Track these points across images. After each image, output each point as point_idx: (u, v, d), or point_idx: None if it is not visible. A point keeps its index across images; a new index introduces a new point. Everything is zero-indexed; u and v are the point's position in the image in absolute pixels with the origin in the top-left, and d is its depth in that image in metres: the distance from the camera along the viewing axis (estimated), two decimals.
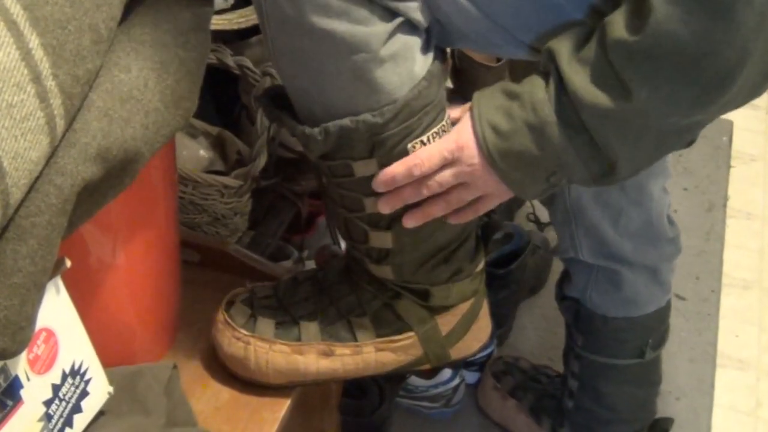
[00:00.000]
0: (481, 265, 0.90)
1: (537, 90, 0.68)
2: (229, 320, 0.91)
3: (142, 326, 0.92)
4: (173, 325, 0.98)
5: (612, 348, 1.11)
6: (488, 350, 1.34)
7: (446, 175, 0.73)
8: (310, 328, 0.89)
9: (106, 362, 0.78)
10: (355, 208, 0.81)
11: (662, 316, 1.12)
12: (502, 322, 1.37)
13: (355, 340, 0.89)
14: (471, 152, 0.71)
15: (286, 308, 0.91)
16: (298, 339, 0.89)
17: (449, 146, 0.72)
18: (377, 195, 0.78)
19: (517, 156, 0.70)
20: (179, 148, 1.11)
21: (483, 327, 0.94)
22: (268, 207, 1.22)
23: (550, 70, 0.68)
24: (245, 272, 1.04)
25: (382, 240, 0.83)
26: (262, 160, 1.08)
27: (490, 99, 0.70)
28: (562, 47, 0.67)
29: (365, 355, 0.90)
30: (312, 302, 0.91)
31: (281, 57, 0.73)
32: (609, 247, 1.05)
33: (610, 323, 1.10)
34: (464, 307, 0.91)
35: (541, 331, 1.41)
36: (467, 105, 0.72)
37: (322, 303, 0.91)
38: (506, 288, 1.35)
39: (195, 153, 1.15)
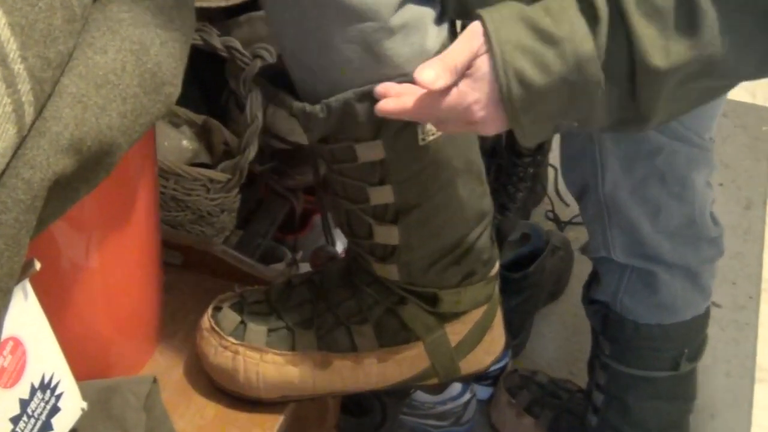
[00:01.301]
0: (495, 269, 0.91)
1: (582, 39, 0.65)
2: (216, 327, 0.91)
3: (119, 335, 0.92)
4: (153, 334, 0.99)
5: (643, 358, 1.11)
6: (502, 363, 1.34)
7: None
8: (306, 336, 0.90)
9: (80, 375, 0.78)
10: (359, 199, 0.82)
11: (700, 324, 1.11)
12: (517, 331, 1.38)
13: (355, 349, 0.90)
14: (483, 86, 0.68)
15: (279, 314, 0.91)
16: (292, 348, 0.90)
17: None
18: (382, 184, 0.79)
19: (542, 112, 0.68)
20: (160, 138, 1.12)
21: (496, 338, 0.95)
22: (258, 204, 1.23)
23: (599, 10, 0.65)
24: (233, 275, 1.05)
25: (388, 235, 0.84)
26: (252, 152, 1.08)
27: (512, 31, 0.66)
28: None
29: (366, 366, 0.91)
30: (308, 308, 0.92)
31: (283, 29, 0.73)
32: (645, 246, 1.05)
33: (642, 330, 1.09)
34: (476, 314, 0.92)
35: (560, 342, 1.41)
36: (475, 30, 0.68)
37: (319, 308, 0.91)
38: (522, 293, 1.36)
39: (178, 143, 1.16)
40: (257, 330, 0.91)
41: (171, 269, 1.02)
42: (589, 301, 1.15)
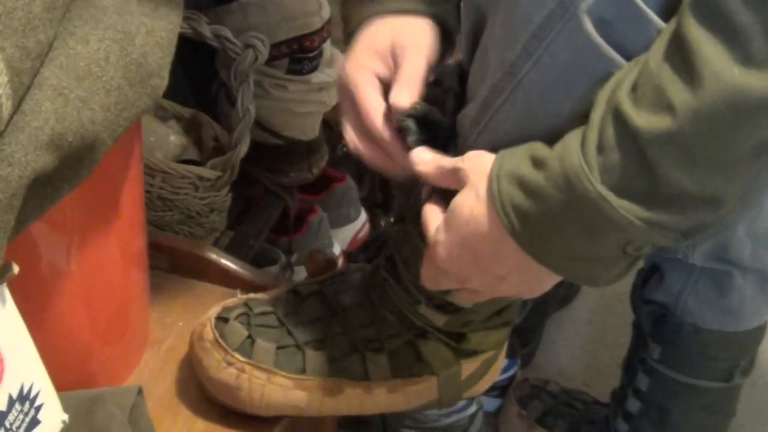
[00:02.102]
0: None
1: (571, 153, 0.63)
2: (221, 340, 0.90)
3: (102, 343, 0.92)
4: (138, 342, 0.99)
5: (697, 366, 1.10)
6: (510, 372, 1.33)
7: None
8: (317, 359, 0.90)
9: (61, 385, 0.77)
10: None
11: (759, 336, 1.11)
12: (527, 339, 1.36)
13: (368, 378, 0.90)
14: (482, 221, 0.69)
15: (288, 329, 0.91)
16: (302, 370, 0.90)
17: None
18: None
19: (559, 246, 0.66)
20: (146, 134, 1.11)
21: (498, 367, 0.96)
22: (250, 203, 1.23)
23: (591, 120, 0.62)
24: (224, 279, 1.05)
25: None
26: (243, 147, 1.09)
27: (512, 161, 0.67)
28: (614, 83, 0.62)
29: (375, 396, 0.91)
30: (321, 327, 0.91)
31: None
32: (728, 250, 1.04)
33: (701, 336, 1.08)
34: (491, 351, 0.93)
35: (574, 350, 1.41)
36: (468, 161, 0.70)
37: (333, 329, 0.91)
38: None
39: (165, 139, 1.15)
40: (266, 348, 0.90)
41: (157, 273, 1.02)
42: (643, 300, 1.13)
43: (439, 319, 0.87)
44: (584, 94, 0.62)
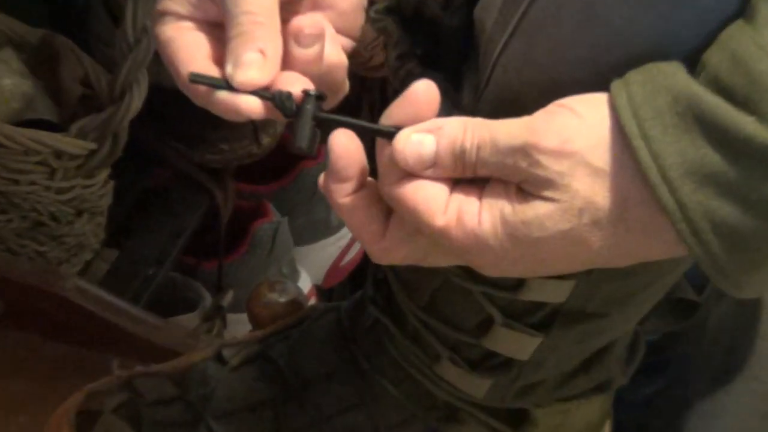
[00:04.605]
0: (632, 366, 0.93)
1: None
2: None
3: None
4: None
5: None
6: None
7: None
8: None
9: None
10: (500, 282, 0.79)
11: None
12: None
13: None
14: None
15: (208, 425, 0.89)
16: None
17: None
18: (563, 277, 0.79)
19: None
20: None
21: None
22: (148, 199, 1.23)
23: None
24: (98, 338, 1.03)
25: (518, 344, 0.82)
26: (136, 99, 1.03)
27: (678, 142, 0.62)
28: None
29: None
30: (266, 419, 0.90)
31: None
32: None
33: None
34: None
35: None
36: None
37: (288, 421, 0.89)
38: (665, 372, 1.21)
39: None
40: None
41: None
42: None
43: (478, 386, 0.85)
44: None
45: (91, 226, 1.13)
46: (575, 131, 0.63)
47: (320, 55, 0.68)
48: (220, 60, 0.69)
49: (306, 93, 0.67)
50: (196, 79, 0.68)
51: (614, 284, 0.80)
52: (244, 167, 1.27)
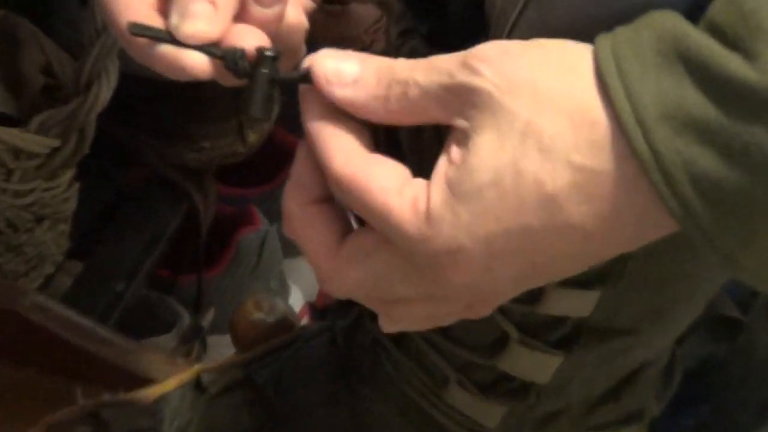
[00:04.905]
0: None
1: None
2: None
3: None
4: None
5: None
6: None
7: None
8: None
9: None
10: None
11: None
12: None
13: None
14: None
15: None
16: None
17: None
18: (586, 287, 0.78)
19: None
20: None
21: None
22: (118, 204, 1.22)
23: None
24: (62, 361, 1.01)
25: (536, 366, 0.82)
26: (105, 90, 1.02)
27: (653, 81, 0.59)
28: None
29: None
30: None
31: None
32: None
33: None
34: None
35: None
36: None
37: None
38: (707, 400, 1.17)
39: None
40: None
41: None
42: None
43: (491, 413, 0.84)
44: None
45: (53, 234, 1.12)
46: (534, 58, 0.61)
47: (280, 17, 0.64)
48: (165, 9, 0.64)
49: (261, 53, 0.63)
50: (136, 30, 0.63)
51: (644, 295, 0.78)
52: (227, 168, 1.26)
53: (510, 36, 0.66)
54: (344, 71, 0.64)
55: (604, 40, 0.58)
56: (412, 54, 0.71)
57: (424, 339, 0.83)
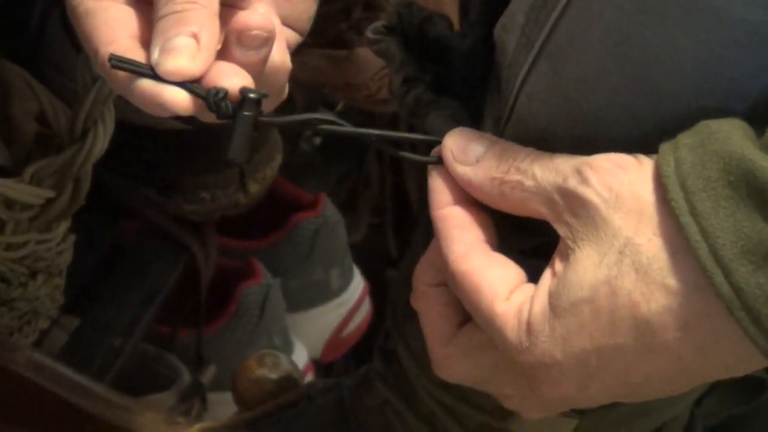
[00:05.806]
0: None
1: None
2: None
3: None
4: None
5: None
6: None
7: None
8: None
9: None
10: None
11: None
12: None
13: None
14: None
15: None
16: None
17: None
18: None
19: None
20: None
21: None
22: (115, 257, 1.24)
23: None
24: (57, 420, 1.01)
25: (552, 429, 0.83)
26: (101, 139, 1.02)
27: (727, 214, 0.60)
28: None
29: None
30: None
31: None
32: None
33: None
34: None
35: None
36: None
37: None
38: None
39: None
40: None
41: None
42: None
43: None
44: None
45: (48, 288, 1.12)
46: (644, 175, 0.61)
47: (265, 60, 0.64)
48: (147, 42, 0.64)
49: (245, 95, 0.63)
50: (116, 63, 0.63)
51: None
52: (228, 219, 1.26)
53: (522, 87, 0.67)
54: (471, 150, 0.65)
55: (669, 168, 0.59)
56: (417, 102, 0.74)
57: (436, 400, 0.83)
